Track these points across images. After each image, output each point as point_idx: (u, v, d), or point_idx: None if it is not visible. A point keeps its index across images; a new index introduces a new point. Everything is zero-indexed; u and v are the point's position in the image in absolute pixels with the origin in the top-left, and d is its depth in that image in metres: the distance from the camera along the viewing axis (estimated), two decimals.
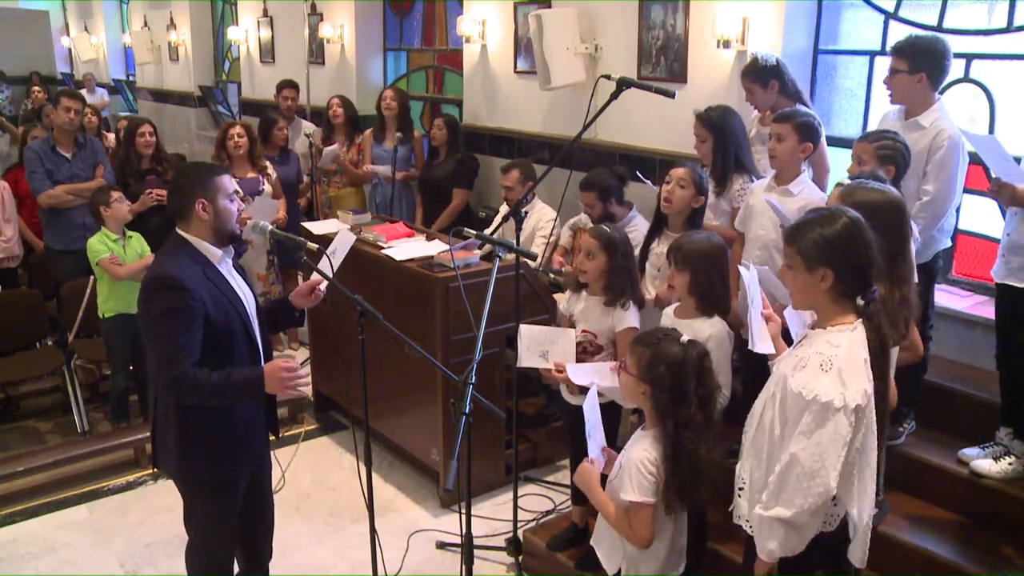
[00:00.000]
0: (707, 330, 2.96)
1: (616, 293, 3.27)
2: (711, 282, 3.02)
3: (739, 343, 3.16)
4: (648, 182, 4.27)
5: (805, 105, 3.97)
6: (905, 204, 2.73)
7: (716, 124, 3.89)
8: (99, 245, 4.61)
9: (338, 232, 3.08)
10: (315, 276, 2.90)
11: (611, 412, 3.15)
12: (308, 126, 6.93)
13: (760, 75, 4.02)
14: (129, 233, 4.77)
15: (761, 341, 2.51)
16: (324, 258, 2.85)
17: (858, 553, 2.23)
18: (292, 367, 2.61)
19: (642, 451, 2.51)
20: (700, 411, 2.47)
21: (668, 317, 3.15)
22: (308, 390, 2.69)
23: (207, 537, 2.91)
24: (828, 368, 2.10)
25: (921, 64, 3.44)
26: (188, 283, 2.57)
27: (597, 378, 2.97)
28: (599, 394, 2.79)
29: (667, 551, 2.59)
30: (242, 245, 4.52)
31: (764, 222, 3.53)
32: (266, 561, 3.21)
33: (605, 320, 3.31)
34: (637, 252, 3.81)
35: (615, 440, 3.21)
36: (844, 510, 2.22)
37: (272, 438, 3.05)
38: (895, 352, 2.72)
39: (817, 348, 2.16)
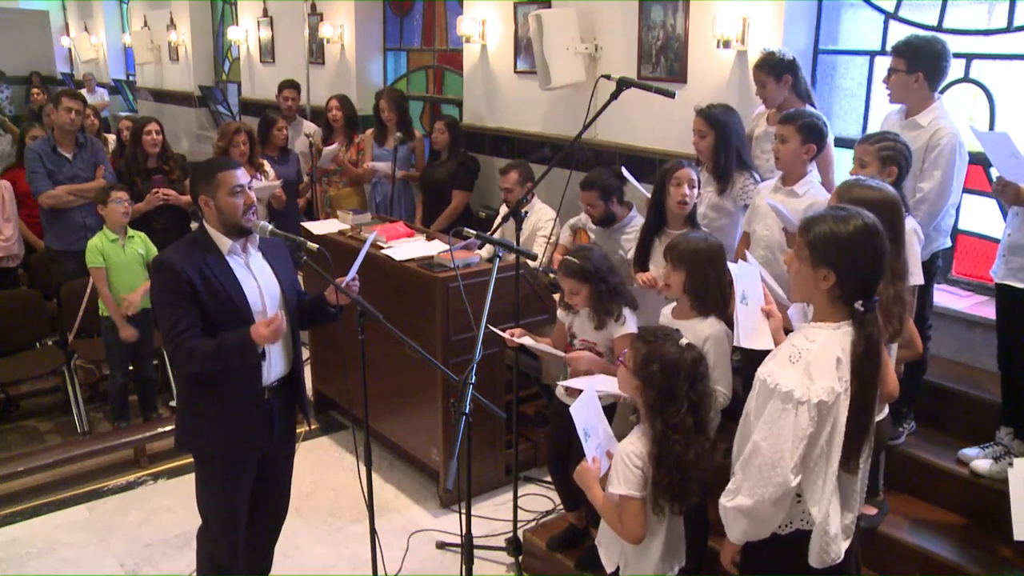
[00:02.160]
0: (705, 330, 2.96)
1: (607, 311, 3.28)
2: (707, 282, 3.01)
3: None
4: (633, 179, 4.06)
5: (814, 107, 3.96)
6: (900, 202, 2.73)
7: (719, 121, 3.87)
8: (94, 250, 4.61)
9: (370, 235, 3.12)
10: (350, 272, 2.97)
11: (608, 411, 3.14)
12: (309, 126, 6.92)
13: (775, 68, 3.97)
14: (131, 233, 4.77)
15: (747, 336, 2.50)
16: (322, 256, 2.86)
17: (814, 552, 2.19)
18: (272, 319, 2.73)
19: (628, 444, 2.53)
20: (691, 415, 2.47)
21: (666, 317, 3.15)
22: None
23: (209, 516, 3.01)
24: (796, 360, 2.10)
25: (919, 64, 3.44)
26: (177, 266, 2.75)
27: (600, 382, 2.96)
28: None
29: (662, 549, 2.58)
30: None
31: (769, 223, 3.53)
32: (268, 561, 3.22)
33: (603, 331, 3.32)
34: (634, 253, 3.83)
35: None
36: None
37: (303, 429, 3.12)
38: (894, 348, 2.74)
39: (793, 340, 2.17)
